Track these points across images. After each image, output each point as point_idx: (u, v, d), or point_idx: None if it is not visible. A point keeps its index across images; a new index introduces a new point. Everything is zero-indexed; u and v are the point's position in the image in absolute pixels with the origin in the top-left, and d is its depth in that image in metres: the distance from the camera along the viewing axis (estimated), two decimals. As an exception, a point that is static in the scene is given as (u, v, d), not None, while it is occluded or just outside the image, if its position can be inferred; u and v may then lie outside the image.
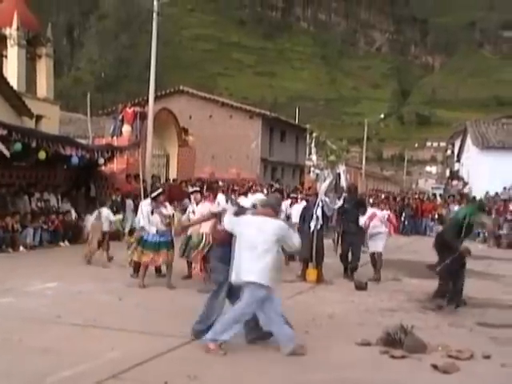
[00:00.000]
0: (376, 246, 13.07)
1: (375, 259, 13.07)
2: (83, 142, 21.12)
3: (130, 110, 24.73)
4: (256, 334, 7.20)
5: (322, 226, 12.73)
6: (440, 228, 27.62)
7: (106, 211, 14.73)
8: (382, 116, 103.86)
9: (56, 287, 10.47)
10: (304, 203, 14.84)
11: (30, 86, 27.05)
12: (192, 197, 12.67)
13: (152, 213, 11.14)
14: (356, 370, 6.42)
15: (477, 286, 11.43)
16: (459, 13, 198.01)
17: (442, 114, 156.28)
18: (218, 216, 8.03)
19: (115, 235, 16.50)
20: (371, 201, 24.28)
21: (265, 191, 21.65)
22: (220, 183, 26.51)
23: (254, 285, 6.80)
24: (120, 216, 16.20)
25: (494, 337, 8.16)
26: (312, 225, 12.51)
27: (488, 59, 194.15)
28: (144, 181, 20.33)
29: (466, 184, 35.87)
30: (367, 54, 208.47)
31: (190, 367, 6.14)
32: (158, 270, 12.04)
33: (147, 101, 23.60)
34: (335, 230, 14.62)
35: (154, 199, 11.42)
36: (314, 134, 14.84)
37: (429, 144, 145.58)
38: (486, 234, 25.05)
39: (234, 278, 6.97)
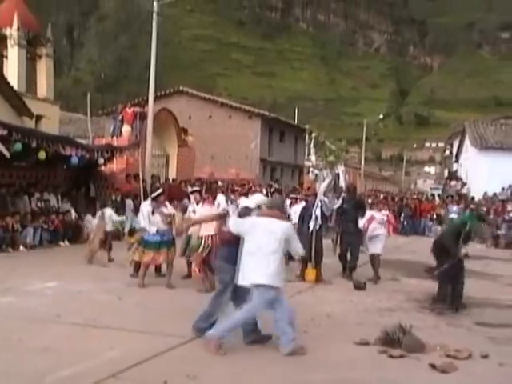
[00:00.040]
0: (375, 247, 13.04)
1: (374, 260, 13.07)
2: (83, 142, 21.13)
3: (129, 110, 24.75)
4: (254, 336, 7.19)
5: (320, 226, 12.73)
6: (439, 228, 27.78)
7: (109, 211, 14.76)
8: (381, 116, 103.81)
9: (56, 287, 10.46)
10: (303, 203, 14.83)
11: (30, 86, 27.05)
12: (192, 197, 12.68)
13: (153, 213, 11.16)
14: (355, 370, 6.42)
15: (475, 285, 11.42)
16: (458, 14, 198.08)
17: (441, 114, 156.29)
18: (222, 217, 8.02)
19: (115, 235, 16.53)
20: (370, 201, 24.27)
21: (264, 191, 21.63)
22: (219, 183, 26.52)
23: (263, 287, 6.80)
24: (123, 217, 16.21)
25: (491, 336, 8.17)
26: (311, 225, 12.51)
27: (486, 60, 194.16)
28: (144, 181, 20.34)
29: (464, 184, 35.87)
30: (366, 55, 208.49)
31: (190, 366, 6.14)
32: (157, 269, 12.04)
33: (147, 101, 23.60)
34: (334, 230, 14.61)
35: (154, 199, 11.44)
36: (313, 135, 14.83)
37: (427, 144, 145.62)
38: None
39: (241, 280, 6.95)
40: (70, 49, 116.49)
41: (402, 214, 28.92)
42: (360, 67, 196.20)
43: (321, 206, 12.75)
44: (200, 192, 12.61)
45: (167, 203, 11.77)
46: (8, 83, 24.26)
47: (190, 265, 11.61)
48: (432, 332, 8.09)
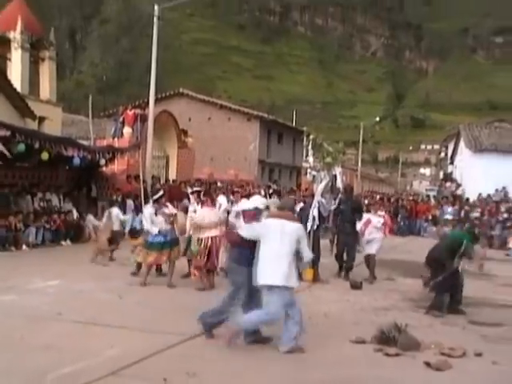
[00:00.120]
0: (371, 248, 13.02)
1: (368, 260, 13.05)
2: (85, 143, 21.10)
3: (130, 113, 24.72)
4: (255, 337, 7.18)
5: (318, 226, 12.72)
6: (434, 229, 27.83)
7: (115, 211, 14.84)
8: (378, 119, 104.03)
9: (58, 285, 10.46)
10: (301, 204, 14.83)
11: (33, 89, 27.05)
12: (192, 197, 12.69)
13: (156, 214, 11.19)
14: (351, 368, 6.42)
15: (469, 285, 11.41)
16: (453, 19, 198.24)
17: (436, 117, 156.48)
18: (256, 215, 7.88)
19: (120, 234, 16.58)
20: (367, 202, 24.29)
21: (262, 192, 21.62)
22: (219, 184, 26.52)
23: (279, 288, 6.82)
24: (129, 216, 16.22)
25: (485, 335, 8.18)
26: (308, 225, 12.49)
27: (481, 64, 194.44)
28: (144, 181, 20.32)
29: (459, 186, 35.88)
30: (363, 59, 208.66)
31: (189, 364, 6.14)
32: (158, 268, 12.04)
33: (148, 103, 23.56)
34: (331, 230, 14.60)
35: (156, 201, 11.46)
36: (311, 137, 14.85)
37: (423, 147, 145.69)
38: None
39: (259, 281, 6.93)
40: (73, 52, 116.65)
41: (399, 215, 28.92)
42: (357, 71, 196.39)
43: (318, 207, 12.74)
44: (199, 193, 12.61)
45: (168, 204, 11.79)
46: (11, 85, 24.26)
47: (190, 264, 11.60)
48: (427, 331, 8.10)
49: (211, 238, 10.79)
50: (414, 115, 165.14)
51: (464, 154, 36.40)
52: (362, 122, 63.99)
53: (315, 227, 12.58)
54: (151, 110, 23.05)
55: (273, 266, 6.82)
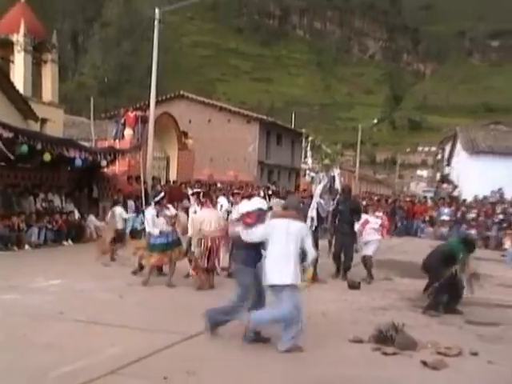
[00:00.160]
0: (367, 250, 13.00)
1: (365, 261, 13.03)
2: (86, 144, 21.13)
3: (131, 114, 24.74)
4: (254, 337, 7.16)
5: (316, 227, 12.71)
6: (431, 230, 27.86)
7: (119, 209, 14.88)
8: (375, 121, 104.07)
9: (59, 285, 10.47)
10: (300, 205, 14.79)
11: (36, 91, 27.09)
12: (192, 198, 12.70)
13: (157, 216, 11.19)
14: (350, 367, 6.43)
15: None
16: (449, 22, 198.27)
17: (433, 119, 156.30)
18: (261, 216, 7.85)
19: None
20: (364, 203, 24.28)
21: (261, 193, 21.61)
22: (218, 185, 26.52)
23: (289, 287, 6.86)
24: (132, 215, 16.24)
25: (481, 334, 8.19)
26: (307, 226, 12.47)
27: (477, 67, 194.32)
28: (145, 182, 20.30)
29: (455, 187, 35.92)
30: (361, 61, 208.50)
31: (189, 363, 6.14)
32: (159, 268, 12.03)
33: (148, 105, 23.56)
34: (329, 231, 14.59)
35: (157, 203, 11.47)
36: (310, 138, 14.87)
37: (420, 148, 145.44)
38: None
39: (268, 282, 6.95)
40: (74, 54, 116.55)
41: (397, 216, 28.90)
42: (355, 73, 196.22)
43: (317, 208, 12.74)
44: (199, 194, 12.62)
45: (169, 205, 11.80)
46: (14, 87, 24.28)
47: (191, 264, 11.60)
48: (424, 330, 8.11)
49: (211, 238, 10.79)
50: (411, 117, 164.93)
51: (461, 156, 36.45)
52: (360, 124, 64.02)
53: (313, 228, 12.57)
54: (152, 112, 23.05)
55: (280, 266, 6.84)
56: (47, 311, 8.25)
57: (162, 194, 12.18)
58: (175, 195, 18.92)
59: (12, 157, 15.10)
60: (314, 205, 12.78)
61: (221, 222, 11.19)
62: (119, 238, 14.44)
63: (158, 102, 25.54)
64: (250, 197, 13.29)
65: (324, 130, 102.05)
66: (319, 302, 10.05)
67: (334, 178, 13.98)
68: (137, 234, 15.28)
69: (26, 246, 15.76)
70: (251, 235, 7.20)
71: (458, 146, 37.47)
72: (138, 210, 17.30)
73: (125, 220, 15.12)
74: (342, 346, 7.24)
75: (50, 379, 5.51)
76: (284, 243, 6.92)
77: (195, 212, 11.70)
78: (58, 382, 5.42)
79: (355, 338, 7.47)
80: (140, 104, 32.31)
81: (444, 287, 9.50)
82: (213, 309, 7.37)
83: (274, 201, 8.12)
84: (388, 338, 7.22)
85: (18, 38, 25.79)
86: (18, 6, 27.33)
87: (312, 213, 12.64)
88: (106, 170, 20.91)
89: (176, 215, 11.53)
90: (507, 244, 21.86)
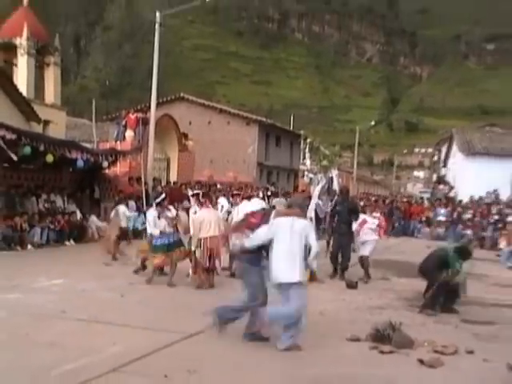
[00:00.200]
0: (364, 250, 12.93)
1: (362, 261, 12.99)
2: (88, 146, 21.15)
3: (132, 116, 24.75)
4: (254, 336, 7.17)
5: (314, 228, 12.67)
6: (428, 230, 27.86)
7: (122, 208, 14.95)
8: (373, 123, 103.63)
9: (62, 284, 10.46)
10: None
11: (39, 93, 27.12)
12: (192, 200, 12.71)
13: (159, 217, 11.20)
14: (347, 365, 6.44)
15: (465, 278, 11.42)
16: (446, 26, 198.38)
17: (430, 121, 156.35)
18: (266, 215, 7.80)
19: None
20: (362, 203, 24.29)
21: (260, 194, 21.63)
22: (218, 186, 26.53)
23: (297, 284, 6.89)
24: (135, 213, 16.27)
25: (477, 333, 8.19)
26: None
27: (473, 70, 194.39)
28: (146, 183, 20.34)
29: (451, 188, 35.90)
30: (358, 64, 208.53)
31: (190, 362, 6.14)
32: (161, 268, 12.02)
33: (149, 107, 23.59)
34: (327, 231, 14.58)
35: (158, 205, 11.48)
36: (308, 140, 14.86)
37: (417, 150, 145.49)
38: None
39: (275, 280, 6.96)
40: (77, 57, 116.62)
41: (394, 217, 28.87)
42: (353, 76, 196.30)
43: (315, 209, 12.73)
44: (198, 195, 12.62)
45: (171, 207, 11.80)
46: (17, 90, 24.31)
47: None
48: (420, 329, 8.11)
49: (210, 237, 10.78)
50: (408, 119, 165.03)
51: (457, 158, 36.45)
52: (358, 126, 63.87)
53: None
54: (153, 114, 23.07)
55: (287, 264, 6.86)
56: (49, 310, 8.25)
57: (163, 196, 12.21)
58: (175, 196, 18.93)
59: (15, 158, 15.12)
60: (312, 206, 12.77)
61: (220, 223, 11.20)
62: (123, 235, 14.52)
63: (158, 104, 25.54)
64: (249, 198, 13.33)
65: (322, 132, 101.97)
66: (317, 301, 10.03)
67: (332, 179, 13.99)
68: (138, 234, 15.35)
69: (29, 246, 15.76)
70: (254, 241, 7.17)
71: (454, 148, 37.48)
72: (139, 211, 17.33)
73: (129, 218, 15.20)
74: (339, 344, 7.24)
75: (52, 377, 5.51)
76: (289, 241, 6.93)
77: (195, 213, 11.70)
78: (60, 380, 5.42)
79: (353, 336, 7.47)
80: (141, 106, 32.32)
81: (441, 288, 9.50)
82: (223, 306, 7.34)
83: (277, 200, 8.09)
84: (385, 337, 7.22)
85: (21, 41, 25.83)
86: (20, 10, 27.37)
87: (310, 214, 12.63)
88: (107, 171, 20.93)
89: (177, 216, 11.53)
90: (502, 244, 21.84)
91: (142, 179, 19.84)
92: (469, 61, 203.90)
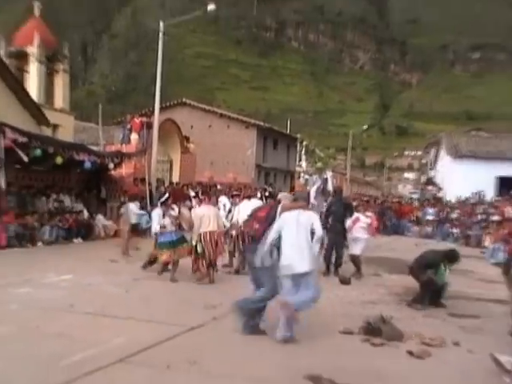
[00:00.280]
0: (355, 249, 12.84)
1: (353, 260, 12.92)
2: (95, 148, 21.15)
3: (137, 120, 24.78)
4: (253, 329, 7.16)
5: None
6: (417, 228, 27.88)
7: (131, 205, 15.00)
8: (365, 127, 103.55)
9: (70, 279, 10.46)
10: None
11: (48, 98, 27.18)
12: (194, 201, 12.73)
13: (164, 216, 11.20)
14: (340, 356, 6.45)
15: (448, 280, 11.43)
16: (434, 36, 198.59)
17: (419, 125, 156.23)
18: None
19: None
20: (355, 203, 24.30)
21: (258, 195, 21.62)
22: (218, 187, 26.55)
23: (307, 274, 6.95)
24: (143, 211, 16.31)
25: (463, 326, 8.20)
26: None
27: (459, 77, 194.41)
28: (149, 184, 20.37)
29: (440, 189, 36.00)
30: (352, 71, 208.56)
31: (191, 353, 6.14)
32: (165, 264, 12.01)
33: (153, 112, 23.60)
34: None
35: (163, 204, 11.49)
36: (304, 143, 14.86)
37: (407, 153, 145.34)
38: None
39: (286, 271, 6.97)
40: (84, 64, 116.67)
41: (385, 216, 28.87)
42: (346, 82, 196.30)
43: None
44: (197, 194, 12.63)
45: (174, 206, 11.81)
46: (29, 95, 24.35)
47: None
48: (410, 322, 8.12)
49: (210, 232, 10.77)
50: (398, 124, 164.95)
51: (444, 160, 36.53)
52: (351, 130, 63.71)
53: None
54: (156, 118, 23.08)
55: (296, 256, 6.90)
56: (58, 304, 8.25)
57: (167, 195, 12.22)
58: (178, 196, 18.95)
59: (26, 159, 15.12)
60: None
61: (219, 219, 11.17)
62: (134, 231, 14.68)
63: (161, 109, 25.56)
64: (249, 197, 13.36)
65: (317, 136, 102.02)
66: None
67: (326, 180, 14.00)
68: (142, 232, 15.39)
69: (39, 244, 15.78)
70: (270, 238, 7.11)
71: (442, 151, 37.56)
72: (144, 210, 17.34)
73: (138, 215, 15.29)
74: (333, 337, 7.25)
75: (61, 367, 5.51)
76: (295, 234, 6.96)
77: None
78: (68, 370, 5.42)
79: (346, 329, 7.48)
80: (145, 111, 32.35)
81: (428, 286, 9.52)
82: (243, 299, 7.31)
83: (282, 194, 8.10)
84: (376, 330, 7.23)
85: (33, 49, 25.93)
86: (32, 20, 27.47)
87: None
88: (113, 172, 20.93)
89: (179, 213, 11.52)
90: (487, 242, 21.91)
91: (146, 180, 19.86)
92: (455, 68, 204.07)
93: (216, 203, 13.11)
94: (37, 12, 27.56)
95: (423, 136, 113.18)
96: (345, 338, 7.22)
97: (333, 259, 12.88)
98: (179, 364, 5.80)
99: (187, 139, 29.74)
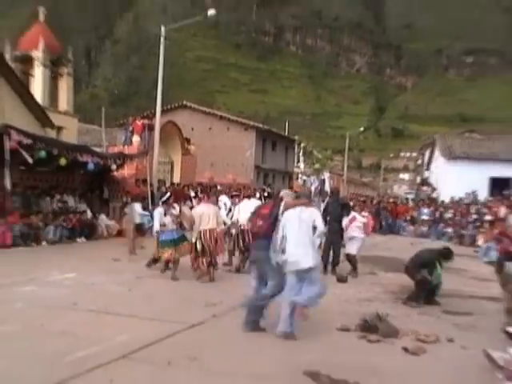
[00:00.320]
0: (351, 248, 12.80)
1: (349, 259, 12.88)
2: (98, 150, 21.13)
3: (139, 123, 24.77)
4: (254, 326, 7.15)
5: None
6: (412, 228, 27.87)
7: (136, 205, 15.01)
8: (362, 129, 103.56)
9: (73, 278, 10.45)
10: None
11: (53, 101, 27.21)
12: (195, 201, 12.73)
13: (165, 214, 11.20)
14: (338, 353, 6.45)
15: (442, 279, 11.43)
16: (428, 41, 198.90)
17: (414, 128, 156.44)
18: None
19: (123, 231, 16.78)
20: (352, 203, 24.30)
21: (257, 195, 21.63)
22: (219, 187, 26.55)
23: (311, 269, 6.95)
24: (147, 212, 16.33)
25: (457, 323, 8.21)
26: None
27: (453, 81, 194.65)
28: (151, 185, 20.36)
29: (434, 190, 35.97)
30: (348, 75, 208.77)
31: (191, 350, 6.14)
32: (166, 262, 12.00)
33: (154, 114, 23.59)
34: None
35: (164, 203, 11.48)
36: (302, 145, 14.87)
37: (402, 154, 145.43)
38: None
39: (290, 267, 6.95)
40: (88, 68, 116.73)
41: (381, 216, 28.86)
42: (343, 86, 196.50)
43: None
44: (196, 194, 12.63)
45: (175, 205, 11.81)
46: (34, 98, 24.36)
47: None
48: (405, 320, 8.12)
49: (209, 230, 10.75)
50: (394, 126, 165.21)
51: (439, 161, 36.51)
52: (348, 132, 63.74)
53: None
54: (158, 121, 23.07)
55: (301, 252, 6.90)
56: (62, 302, 8.24)
57: (169, 194, 12.22)
58: (179, 196, 18.96)
59: (31, 161, 15.11)
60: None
61: (218, 217, 11.14)
62: (140, 230, 14.71)
63: (163, 112, 25.56)
64: (249, 197, 13.38)
65: (315, 138, 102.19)
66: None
67: (324, 180, 14.01)
68: (146, 232, 15.37)
69: (44, 243, 15.77)
70: (279, 236, 7.13)
71: (437, 152, 37.52)
72: (146, 210, 17.34)
73: (142, 215, 15.31)
74: (331, 334, 7.25)
75: (65, 363, 5.51)
76: (298, 230, 6.97)
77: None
78: (72, 366, 5.42)
79: (343, 326, 7.48)
80: (147, 113, 32.33)
81: (423, 284, 9.53)
82: (249, 297, 7.31)
83: (285, 191, 8.09)
84: (372, 327, 7.23)
85: (38, 54, 25.96)
86: (37, 25, 27.49)
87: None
88: (115, 173, 20.91)
89: (180, 212, 11.51)
90: (480, 241, 21.90)
91: (148, 181, 19.85)
92: (449, 72, 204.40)
93: (216, 203, 13.07)
94: (42, 17, 27.59)
95: (418, 138, 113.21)
96: (342, 335, 7.22)
97: (330, 258, 12.87)
98: (180, 360, 5.80)
99: (188, 141, 29.73)
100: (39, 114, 24.41)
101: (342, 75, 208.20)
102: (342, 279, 11.71)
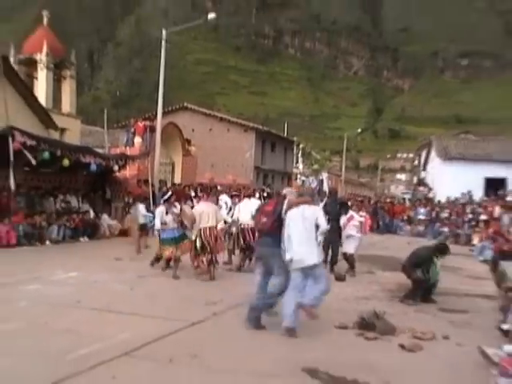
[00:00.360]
0: (348, 247, 12.77)
1: (347, 258, 12.88)
2: (100, 151, 21.14)
3: (140, 124, 24.75)
4: (256, 324, 7.15)
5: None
6: (409, 227, 27.87)
7: (140, 206, 15.07)
8: (359, 130, 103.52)
9: (77, 277, 10.45)
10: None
11: (56, 103, 27.18)
12: (195, 200, 12.72)
13: (166, 213, 11.21)
14: (336, 350, 6.45)
15: (439, 277, 11.43)
16: (425, 43, 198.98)
17: (410, 129, 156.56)
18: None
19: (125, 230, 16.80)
20: (350, 203, 24.29)
21: (257, 195, 21.62)
22: (219, 188, 26.54)
23: (316, 266, 6.97)
24: (149, 213, 16.35)
25: (452, 321, 8.21)
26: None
27: (448, 83, 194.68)
28: (152, 185, 20.34)
29: (430, 190, 35.96)
30: (346, 77, 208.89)
31: (192, 347, 6.14)
32: (167, 261, 12.00)
33: (156, 116, 23.58)
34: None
35: (166, 201, 11.49)
36: (301, 146, 14.89)
37: (399, 155, 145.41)
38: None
39: (295, 264, 6.94)
40: (91, 71, 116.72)
41: (378, 215, 28.85)
42: (341, 88, 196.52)
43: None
44: (196, 193, 12.63)
45: (176, 203, 11.81)
46: (37, 101, 24.36)
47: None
48: (402, 317, 8.12)
49: (209, 228, 10.74)
50: (391, 127, 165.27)
51: (435, 162, 36.50)
52: (346, 133, 63.77)
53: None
54: (159, 122, 23.07)
55: (305, 249, 6.89)
56: (66, 300, 8.25)
57: (170, 193, 12.23)
58: (180, 196, 18.94)
59: (34, 162, 15.11)
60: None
61: (217, 215, 11.12)
62: (144, 230, 14.76)
63: (164, 113, 25.55)
64: (249, 196, 13.38)
65: (313, 139, 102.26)
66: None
67: (322, 181, 14.00)
68: (147, 231, 15.37)
69: (47, 242, 15.77)
70: (285, 235, 7.12)
71: (433, 153, 37.52)
72: (148, 210, 17.33)
73: (145, 216, 15.34)
74: (329, 332, 7.24)
75: (68, 361, 5.51)
76: (301, 229, 6.96)
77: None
78: (75, 364, 5.42)
79: (341, 324, 7.48)
80: (148, 115, 32.31)
81: (419, 283, 9.54)
82: (257, 296, 7.29)
83: (288, 189, 8.08)
84: (370, 325, 7.24)
85: (41, 57, 25.92)
86: (41, 29, 27.47)
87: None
88: (117, 174, 20.91)
89: (181, 211, 11.51)
90: (475, 240, 21.93)
91: (149, 181, 19.84)
92: (445, 75, 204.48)
93: (216, 202, 13.08)
94: (45, 21, 27.57)
95: (415, 139, 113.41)
96: (340, 333, 7.23)
97: (328, 257, 12.87)
98: (181, 358, 5.80)
99: (188, 142, 29.72)
100: (43, 115, 24.41)
101: (340, 77, 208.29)
102: (340, 278, 11.70)
